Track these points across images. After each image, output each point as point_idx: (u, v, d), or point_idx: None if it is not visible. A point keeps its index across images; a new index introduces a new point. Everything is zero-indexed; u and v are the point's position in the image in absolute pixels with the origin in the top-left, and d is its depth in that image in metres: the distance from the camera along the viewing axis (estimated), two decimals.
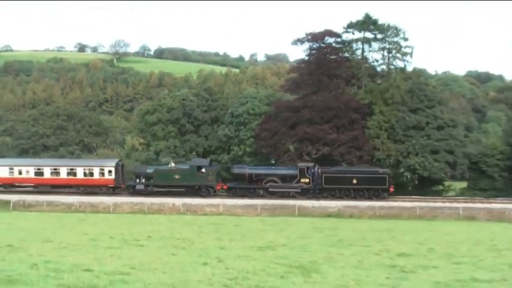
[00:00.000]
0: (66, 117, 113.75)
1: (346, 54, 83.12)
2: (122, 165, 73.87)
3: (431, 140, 73.95)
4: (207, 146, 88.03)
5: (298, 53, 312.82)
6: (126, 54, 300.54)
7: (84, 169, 70.26)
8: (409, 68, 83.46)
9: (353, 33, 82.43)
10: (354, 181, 64.95)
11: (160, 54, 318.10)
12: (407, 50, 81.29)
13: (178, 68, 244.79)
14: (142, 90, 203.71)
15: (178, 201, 60.39)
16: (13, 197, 62.07)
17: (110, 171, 69.67)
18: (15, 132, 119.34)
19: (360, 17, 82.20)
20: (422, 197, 66.32)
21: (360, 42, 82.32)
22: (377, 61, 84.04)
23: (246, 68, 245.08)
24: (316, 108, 75.61)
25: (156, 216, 52.74)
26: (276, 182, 66.75)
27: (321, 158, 73.83)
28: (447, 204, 59.45)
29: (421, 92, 76.71)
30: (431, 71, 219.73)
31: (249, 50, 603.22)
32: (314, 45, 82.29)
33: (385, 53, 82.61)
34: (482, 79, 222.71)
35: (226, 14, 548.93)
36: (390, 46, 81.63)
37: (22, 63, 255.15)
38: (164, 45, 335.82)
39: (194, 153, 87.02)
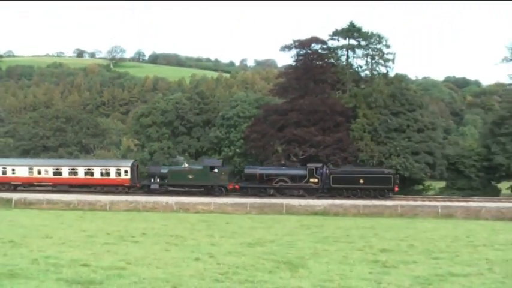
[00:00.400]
0: (65, 119, 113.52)
1: (332, 60, 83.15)
2: (137, 165, 73.71)
3: (412, 141, 74.10)
4: (199, 147, 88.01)
5: (286, 59, 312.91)
6: (122, 59, 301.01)
7: (101, 169, 70.04)
8: (391, 74, 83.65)
9: (338, 40, 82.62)
10: (361, 181, 64.83)
11: (155, 59, 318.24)
12: (390, 57, 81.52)
13: (172, 73, 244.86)
14: (138, 94, 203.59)
15: (171, 199, 60.34)
16: (14, 195, 61.98)
17: (126, 171, 69.49)
18: (17, 133, 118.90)
19: (344, 25, 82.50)
20: (403, 196, 66.41)
21: (344, 49, 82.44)
22: (361, 67, 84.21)
23: (236, 73, 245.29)
24: (303, 111, 75.64)
25: (150, 214, 52.63)
26: (286, 181, 66.64)
27: (308, 159, 73.88)
28: (427, 203, 59.48)
29: (402, 96, 76.84)
30: (412, 76, 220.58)
31: (239, 55, 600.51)
32: (301, 52, 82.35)
33: (369, 59, 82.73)
34: (460, 84, 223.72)
35: (218, 21, 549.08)
36: (373, 53, 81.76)
37: (23, 68, 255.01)
38: (159, 51, 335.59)
39: (187, 154, 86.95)
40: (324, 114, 75.06)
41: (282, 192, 66.13)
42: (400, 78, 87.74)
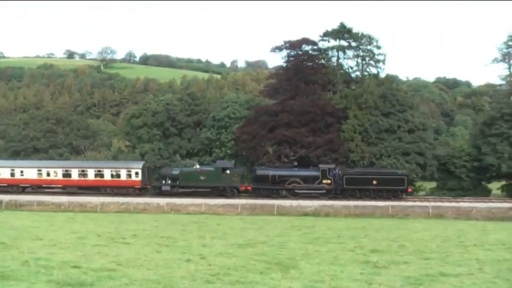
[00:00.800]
0: (55, 120, 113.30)
1: (322, 61, 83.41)
2: (148, 167, 73.33)
3: (403, 142, 74.33)
4: (190, 148, 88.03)
5: (277, 60, 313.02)
6: (112, 60, 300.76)
7: (111, 171, 69.46)
8: (382, 75, 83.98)
9: (329, 41, 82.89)
10: (374, 182, 64.96)
11: (146, 60, 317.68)
12: (380, 58, 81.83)
13: (162, 74, 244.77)
14: (128, 95, 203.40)
15: (162, 200, 60.20)
16: (5, 197, 61.56)
17: (136, 173, 68.98)
18: (7, 135, 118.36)
19: (335, 26, 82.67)
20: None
21: (335, 50, 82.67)
22: (351, 68, 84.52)
23: (227, 74, 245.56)
24: (293, 112, 75.74)
25: (141, 215, 52.48)
26: (298, 183, 66.51)
27: (298, 160, 73.99)
28: (417, 203, 59.65)
29: (393, 97, 77.07)
30: (402, 77, 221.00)
31: (230, 57, 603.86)
32: (292, 53, 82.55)
33: (359, 60, 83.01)
34: (450, 85, 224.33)
35: (209, 22, 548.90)
36: (364, 54, 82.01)
37: (14, 69, 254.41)
38: (149, 52, 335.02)
39: (178, 155, 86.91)
40: (314, 115, 75.19)
41: (294, 194, 65.89)
42: (391, 79, 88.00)
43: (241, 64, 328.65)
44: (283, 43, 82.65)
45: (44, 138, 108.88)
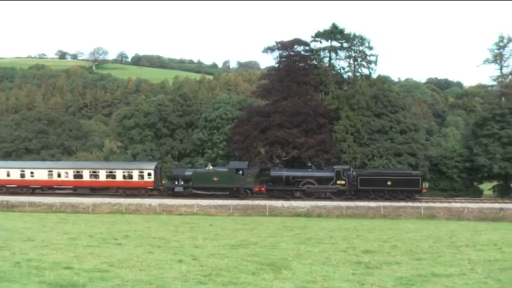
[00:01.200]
0: (47, 121, 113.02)
1: (314, 62, 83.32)
2: (160, 168, 72.94)
3: (395, 143, 74.42)
4: (182, 149, 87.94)
5: (269, 61, 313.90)
6: (104, 61, 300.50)
7: (123, 172, 69.05)
8: (374, 75, 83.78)
9: (320, 42, 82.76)
10: (388, 183, 64.85)
11: (138, 61, 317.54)
12: (372, 58, 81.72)
13: (154, 75, 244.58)
14: (120, 95, 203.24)
15: (154, 201, 60.15)
16: None
17: (149, 174, 68.66)
18: None
19: (327, 26, 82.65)
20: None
21: (327, 51, 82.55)
22: (343, 68, 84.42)
23: (219, 74, 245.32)
24: (285, 113, 75.72)
25: (133, 216, 52.46)
26: (312, 184, 66.29)
27: (290, 160, 74.01)
28: (409, 204, 59.74)
29: (385, 98, 77.21)
30: (394, 78, 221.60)
31: (222, 57, 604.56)
32: (284, 53, 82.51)
33: (351, 61, 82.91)
34: (442, 86, 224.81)
35: (201, 23, 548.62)
36: (356, 54, 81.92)
37: (5, 70, 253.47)
38: (141, 53, 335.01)
39: (170, 156, 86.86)
40: (306, 116, 75.20)
41: (308, 195, 65.70)
42: (383, 80, 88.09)
43: (233, 65, 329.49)
44: (275, 44, 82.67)
45: (35, 139, 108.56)
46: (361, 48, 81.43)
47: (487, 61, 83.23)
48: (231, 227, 41.24)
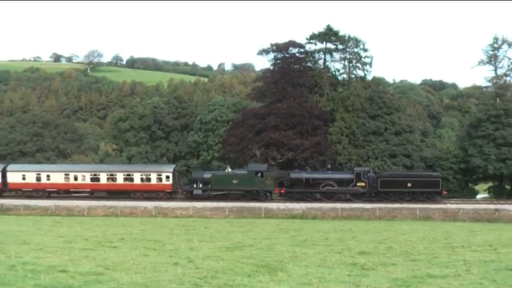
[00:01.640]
0: (42, 124, 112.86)
1: (309, 64, 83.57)
2: (178, 171, 72.37)
3: (390, 144, 74.61)
4: (177, 151, 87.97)
5: (264, 63, 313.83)
6: (99, 64, 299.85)
7: (141, 174, 67.84)
8: (369, 77, 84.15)
9: (315, 44, 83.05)
10: (409, 184, 64.30)
11: (133, 64, 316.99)
12: (367, 60, 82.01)
13: (149, 77, 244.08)
14: (115, 98, 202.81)
15: (149, 204, 60.03)
16: None
17: (167, 177, 67.45)
18: None
19: (322, 28, 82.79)
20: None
21: (322, 53, 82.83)
22: (338, 70, 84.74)
23: (214, 77, 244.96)
24: (280, 115, 75.87)
25: (128, 219, 52.30)
26: (332, 186, 65.65)
27: (286, 162, 74.06)
28: (405, 205, 59.74)
29: (380, 99, 77.40)
30: (389, 79, 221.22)
31: (217, 59, 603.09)
32: (278, 56, 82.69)
33: (346, 63, 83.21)
34: (436, 87, 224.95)
35: (195, 25, 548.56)
36: (351, 56, 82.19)
37: (0, 73, 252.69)
38: (136, 55, 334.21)
39: (165, 158, 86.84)
40: (301, 118, 75.35)
41: (328, 197, 65.17)
42: (378, 82, 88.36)
43: (228, 67, 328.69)
44: (270, 46, 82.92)
45: (30, 141, 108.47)
46: (355, 50, 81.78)
47: (481, 62, 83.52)
48: (226, 229, 41.18)
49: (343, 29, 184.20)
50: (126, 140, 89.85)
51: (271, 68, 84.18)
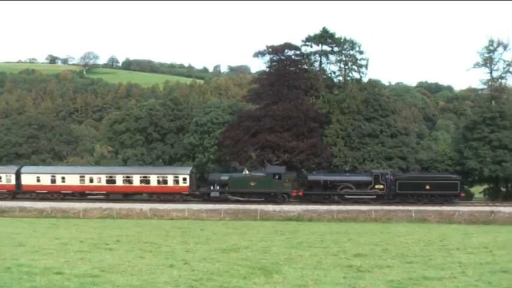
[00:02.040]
0: (37, 126, 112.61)
1: (305, 66, 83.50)
2: (195, 173, 72.20)
3: (385, 147, 74.65)
4: (173, 153, 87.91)
5: (260, 65, 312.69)
6: (95, 65, 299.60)
7: (157, 177, 67.69)
8: (365, 79, 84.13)
9: (311, 46, 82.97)
10: (427, 187, 64.37)
11: (128, 65, 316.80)
12: (363, 62, 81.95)
13: (145, 79, 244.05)
14: (111, 100, 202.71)
15: (145, 206, 59.97)
16: None
17: (184, 179, 67.26)
18: None
19: (317, 30, 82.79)
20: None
21: (317, 55, 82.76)
22: (334, 73, 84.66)
23: (210, 79, 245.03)
24: (276, 117, 75.86)
25: (124, 221, 52.27)
26: (350, 188, 65.63)
27: (281, 164, 74.01)
28: (400, 207, 59.81)
29: (375, 101, 77.43)
30: (385, 82, 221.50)
31: (213, 61, 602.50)
32: (274, 58, 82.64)
33: (342, 65, 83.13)
34: (432, 89, 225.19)
35: (191, 27, 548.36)
36: (346, 58, 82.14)
37: None
38: (132, 57, 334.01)
39: (160, 160, 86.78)
40: (297, 120, 75.35)
41: (346, 199, 65.12)
42: (373, 84, 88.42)
43: (224, 69, 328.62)
44: (265, 48, 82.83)
45: (26, 143, 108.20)
46: (351, 52, 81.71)
47: (477, 65, 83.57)
48: (222, 231, 41.18)
49: (339, 32, 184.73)
50: (121, 142, 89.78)
51: (267, 70, 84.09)
